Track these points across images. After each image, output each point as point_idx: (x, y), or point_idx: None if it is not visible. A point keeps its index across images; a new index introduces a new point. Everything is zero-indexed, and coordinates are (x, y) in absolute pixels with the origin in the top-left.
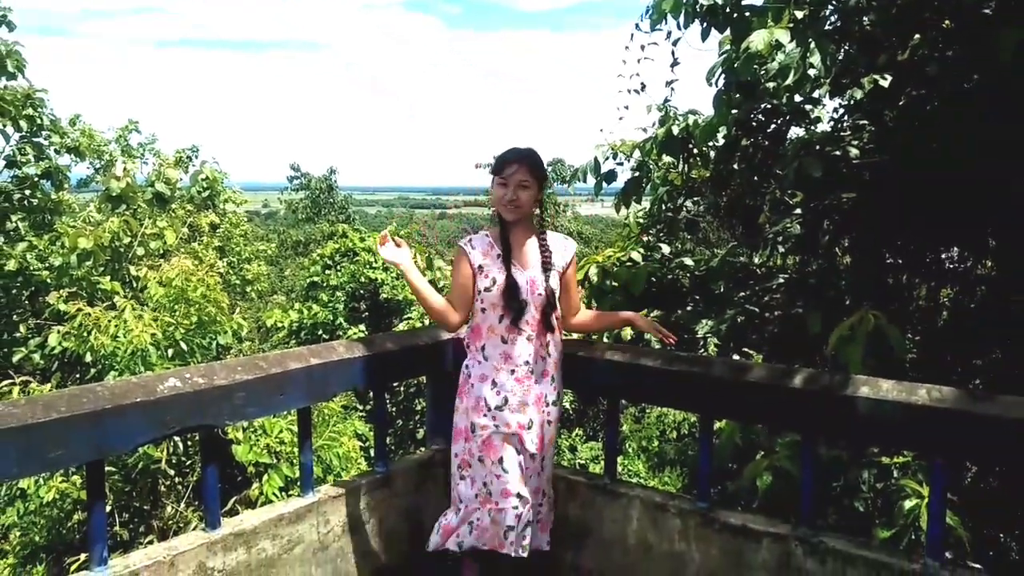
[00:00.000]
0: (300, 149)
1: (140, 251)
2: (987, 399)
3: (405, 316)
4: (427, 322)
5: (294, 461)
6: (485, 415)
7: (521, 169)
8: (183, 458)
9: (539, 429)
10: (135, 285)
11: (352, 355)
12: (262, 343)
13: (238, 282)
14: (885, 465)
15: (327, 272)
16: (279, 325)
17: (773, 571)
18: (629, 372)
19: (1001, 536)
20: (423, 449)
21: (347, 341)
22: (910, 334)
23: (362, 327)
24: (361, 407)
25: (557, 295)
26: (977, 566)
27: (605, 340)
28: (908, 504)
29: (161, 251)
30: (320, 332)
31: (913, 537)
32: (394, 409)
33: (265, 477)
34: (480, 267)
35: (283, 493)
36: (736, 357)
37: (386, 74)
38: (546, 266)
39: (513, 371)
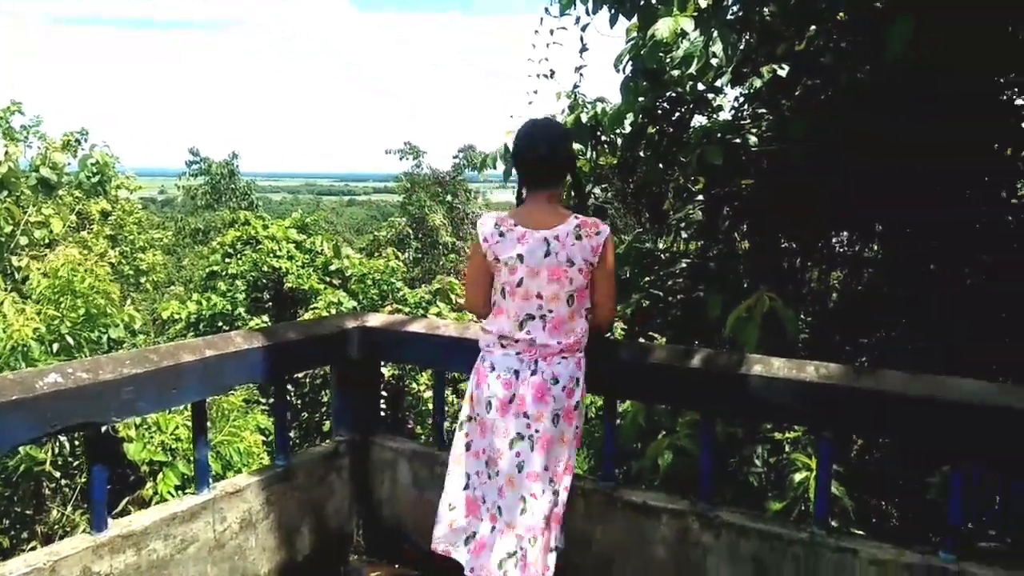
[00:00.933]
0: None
1: (24, 240)
2: (869, 375)
3: (311, 306)
4: (333, 311)
5: (191, 458)
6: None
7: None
8: (69, 459)
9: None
10: (16, 277)
11: (251, 346)
12: (158, 336)
13: (131, 272)
14: (778, 440)
15: (227, 261)
16: (176, 317)
17: (672, 546)
18: None
19: (883, 504)
20: (328, 441)
21: (246, 331)
22: (804, 315)
23: (265, 318)
24: (264, 400)
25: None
26: (860, 532)
27: None
28: (798, 477)
29: (47, 240)
30: (220, 324)
31: (803, 508)
32: (299, 401)
33: (160, 476)
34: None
35: (179, 492)
36: (641, 340)
37: (292, 58)
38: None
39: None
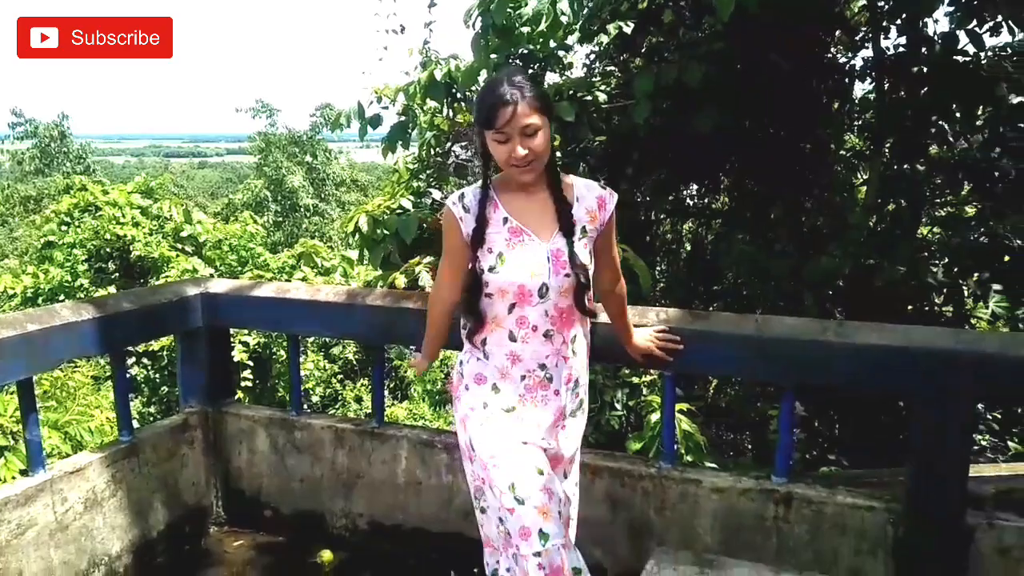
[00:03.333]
0: (26, 94)
1: None
2: (703, 317)
3: (163, 275)
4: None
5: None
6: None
7: (521, 110)
8: None
9: (555, 446)
10: None
11: (80, 318)
12: None
13: None
14: (635, 384)
15: (65, 229)
16: (10, 292)
17: None
18: (394, 317)
19: (734, 436)
20: (177, 414)
21: (74, 303)
22: (660, 265)
23: (112, 289)
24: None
25: (591, 269)
26: (711, 465)
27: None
28: (654, 417)
29: None
30: (61, 297)
31: (661, 447)
32: (157, 375)
33: (1, 461)
34: (479, 238)
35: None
36: None
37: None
38: (569, 229)
39: (524, 376)
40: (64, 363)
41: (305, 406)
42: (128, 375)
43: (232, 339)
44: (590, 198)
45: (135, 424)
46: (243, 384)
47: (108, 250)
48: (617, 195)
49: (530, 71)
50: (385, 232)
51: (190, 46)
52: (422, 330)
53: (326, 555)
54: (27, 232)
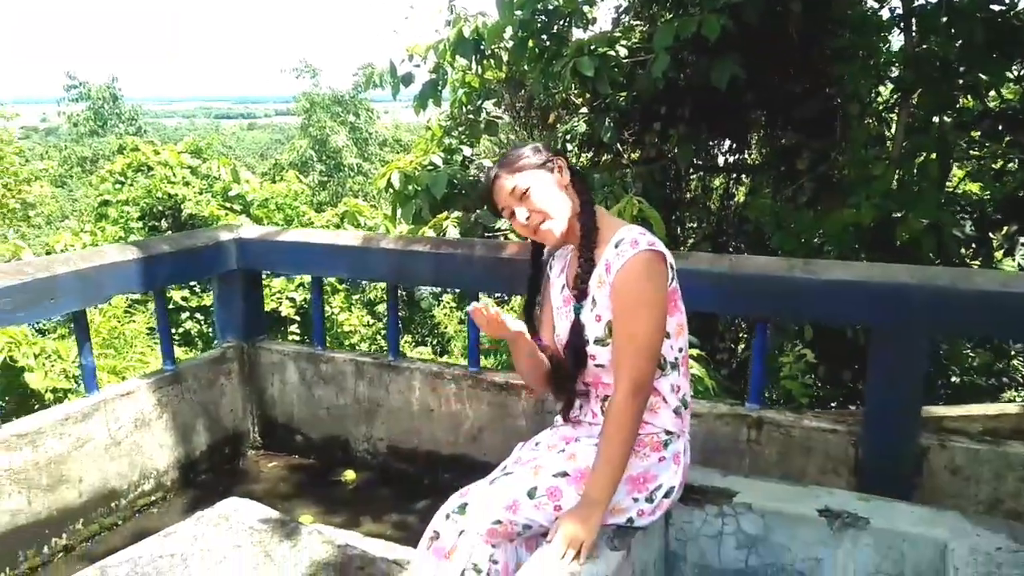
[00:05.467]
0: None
1: None
2: (683, 257)
3: None
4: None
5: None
6: None
7: (503, 181)
8: None
9: None
10: None
11: (125, 258)
12: None
13: (18, 206)
14: None
15: (119, 188)
16: (70, 249)
17: (531, 416)
18: (405, 259)
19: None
20: (214, 348)
21: (120, 245)
22: (691, 222)
23: None
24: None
25: (595, 346)
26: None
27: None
28: None
29: None
30: None
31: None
32: (209, 328)
33: (66, 402)
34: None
35: None
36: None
37: None
38: (581, 293)
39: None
40: (112, 297)
41: None
42: (177, 323)
43: (279, 295)
44: (611, 256)
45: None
46: (290, 338)
47: (160, 208)
48: (651, 252)
49: (555, 27)
50: (416, 188)
51: (242, 6)
52: (430, 271)
53: (349, 475)
54: (86, 192)
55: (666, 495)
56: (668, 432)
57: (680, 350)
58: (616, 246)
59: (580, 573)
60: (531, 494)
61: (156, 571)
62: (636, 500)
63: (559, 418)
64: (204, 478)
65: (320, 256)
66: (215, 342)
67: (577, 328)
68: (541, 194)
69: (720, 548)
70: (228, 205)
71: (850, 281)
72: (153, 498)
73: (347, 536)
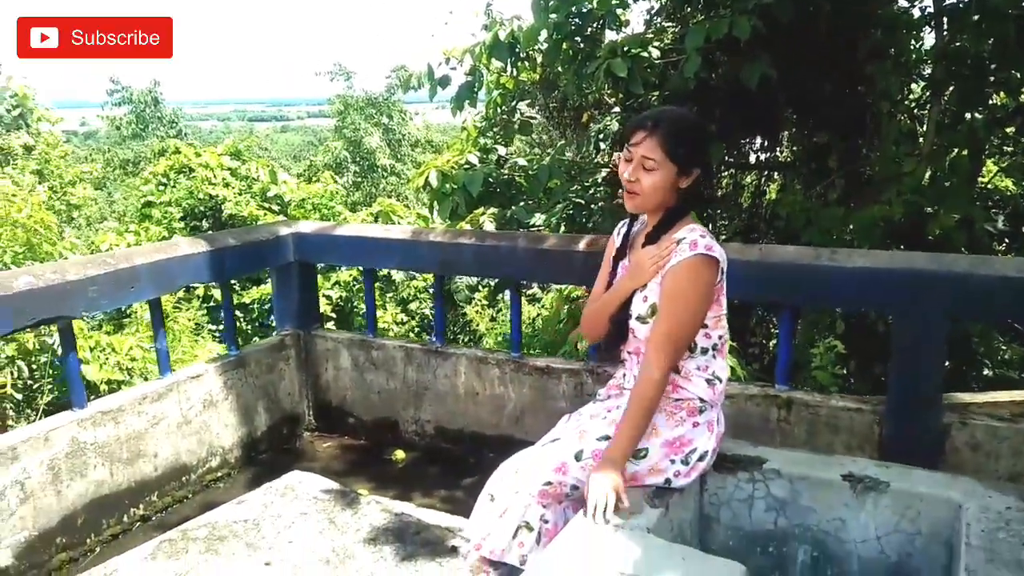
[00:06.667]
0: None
1: None
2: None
3: None
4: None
5: (148, 376)
6: None
7: (648, 141)
8: (28, 380)
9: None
10: None
11: (195, 251)
12: None
13: (63, 208)
14: None
15: (162, 189)
16: (115, 248)
17: (570, 397)
18: (451, 251)
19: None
20: (274, 335)
21: (190, 238)
22: (722, 218)
23: None
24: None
25: (637, 325)
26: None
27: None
28: None
29: None
30: None
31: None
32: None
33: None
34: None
35: None
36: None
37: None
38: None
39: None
40: (183, 286)
41: None
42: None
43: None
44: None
45: None
46: None
47: (201, 209)
48: (705, 256)
49: (588, 30)
50: (453, 186)
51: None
52: (475, 262)
53: (399, 454)
54: (124, 195)
55: (700, 458)
56: (702, 400)
57: (720, 338)
58: (678, 243)
59: (624, 525)
60: (578, 456)
61: (232, 533)
62: (673, 462)
63: (602, 391)
64: (264, 456)
65: (372, 249)
66: (274, 330)
67: (625, 303)
68: (655, 181)
69: (751, 511)
70: (267, 205)
71: (873, 268)
72: (219, 474)
73: (403, 506)
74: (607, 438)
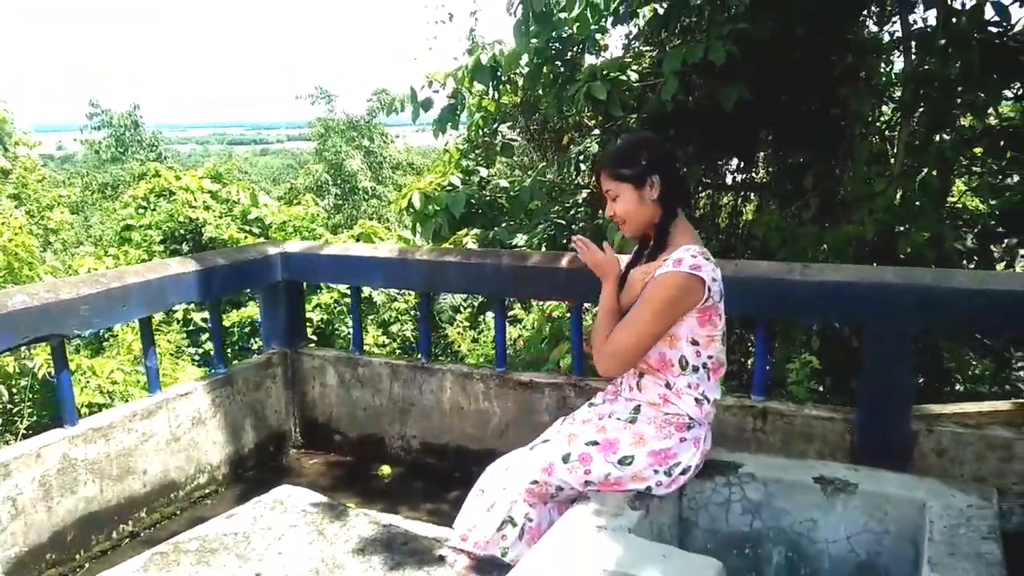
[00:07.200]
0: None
1: None
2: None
3: None
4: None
5: (129, 399)
6: None
7: (603, 178)
8: (8, 404)
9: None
10: None
11: (185, 270)
12: None
13: (40, 232)
14: None
15: (141, 213)
16: (94, 272)
17: (554, 411)
18: (437, 269)
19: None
20: (261, 354)
21: (181, 258)
22: (703, 238)
23: None
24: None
25: None
26: None
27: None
28: None
29: None
30: None
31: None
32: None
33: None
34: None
35: None
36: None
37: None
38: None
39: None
40: (173, 305)
41: None
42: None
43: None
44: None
45: None
46: None
47: (182, 232)
48: (686, 275)
49: (568, 54)
50: (436, 207)
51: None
52: (460, 280)
53: (385, 469)
54: (101, 220)
55: (683, 472)
56: (691, 418)
57: (710, 357)
58: (667, 260)
59: (607, 526)
60: (565, 459)
61: (222, 546)
62: (656, 472)
63: (598, 396)
64: (251, 473)
65: (359, 267)
66: (261, 348)
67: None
68: (624, 205)
69: (728, 514)
70: (247, 228)
71: (842, 282)
72: (207, 490)
73: (390, 518)
74: (594, 443)
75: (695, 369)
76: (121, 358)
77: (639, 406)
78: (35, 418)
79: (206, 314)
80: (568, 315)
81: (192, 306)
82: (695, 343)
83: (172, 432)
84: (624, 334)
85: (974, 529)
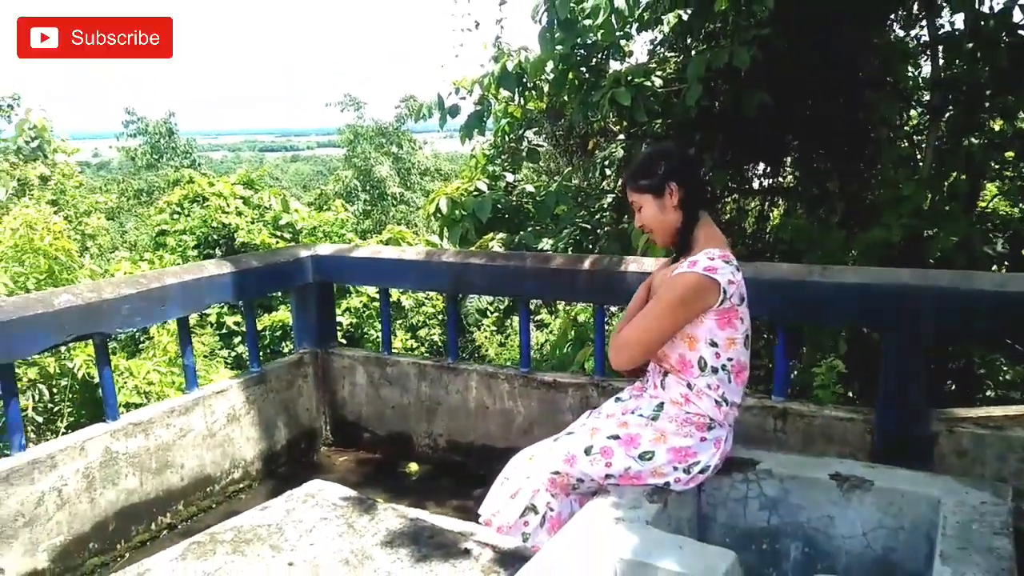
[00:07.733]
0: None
1: None
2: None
3: None
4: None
5: (164, 399)
6: None
7: (628, 191)
8: (48, 404)
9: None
10: None
11: (221, 271)
12: None
13: (78, 237)
14: None
15: (176, 218)
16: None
17: (577, 410)
18: (462, 271)
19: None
20: (293, 353)
21: (216, 260)
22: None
23: None
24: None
25: None
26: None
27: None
28: None
29: None
30: None
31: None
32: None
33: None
34: None
35: None
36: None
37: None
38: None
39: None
40: (210, 306)
41: None
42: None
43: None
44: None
45: None
46: None
47: (215, 237)
48: (700, 276)
49: (593, 60)
50: (463, 212)
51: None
52: (484, 281)
53: (413, 467)
54: (136, 226)
55: (702, 471)
56: (711, 419)
57: (730, 360)
58: (686, 261)
59: (625, 517)
60: (587, 451)
61: (256, 536)
62: (675, 469)
63: (627, 390)
64: (283, 469)
65: (388, 269)
66: (293, 348)
67: None
68: (648, 214)
69: (745, 510)
70: (279, 233)
71: (860, 284)
72: (241, 485)
73: (417, 512)
74: (616, 438)
75: (715, 371)
76: (157, 360)
77: (662, 403)
78: (74, 417)
79: (238, 318)
80: (593, 319)
81: (225, 309)
82: (714, 345)
83: (208, 428)
84: (631, 328)
85: (986, 524)
